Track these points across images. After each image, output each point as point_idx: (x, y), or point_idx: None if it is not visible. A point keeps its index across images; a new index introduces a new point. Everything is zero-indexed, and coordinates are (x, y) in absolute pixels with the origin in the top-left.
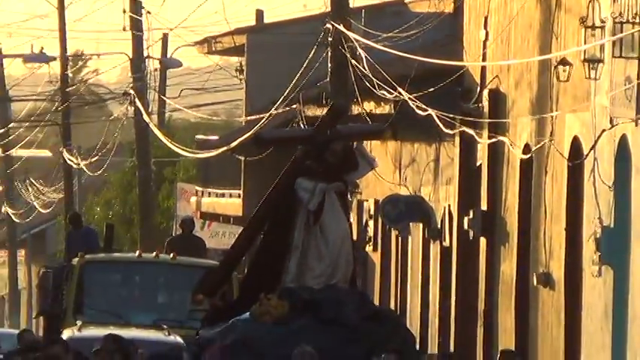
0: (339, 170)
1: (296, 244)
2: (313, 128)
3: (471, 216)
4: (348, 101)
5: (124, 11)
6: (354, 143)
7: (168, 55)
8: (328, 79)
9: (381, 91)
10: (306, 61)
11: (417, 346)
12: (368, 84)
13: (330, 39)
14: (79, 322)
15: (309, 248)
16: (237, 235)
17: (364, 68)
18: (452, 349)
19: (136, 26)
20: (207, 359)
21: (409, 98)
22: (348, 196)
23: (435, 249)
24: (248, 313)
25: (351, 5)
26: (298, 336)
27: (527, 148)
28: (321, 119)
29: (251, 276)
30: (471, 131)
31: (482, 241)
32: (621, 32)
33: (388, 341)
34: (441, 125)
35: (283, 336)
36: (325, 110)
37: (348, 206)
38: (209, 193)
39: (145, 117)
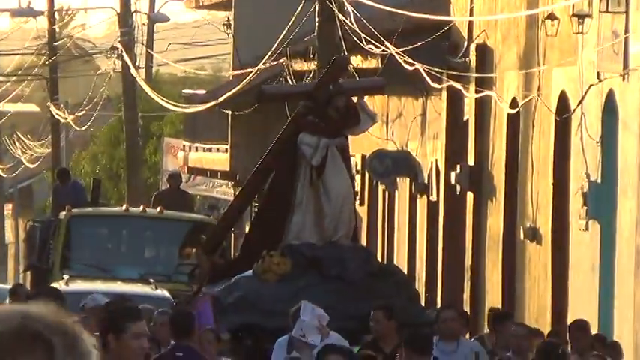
0: (341, 125)
1: (298, 200)
2: (315, 83)
3: (458, 171)
4: (347, 56)
5: None
6: (356, 98)
7: (156, 10)
8: (315, 34)
9: (369, 46)
10: (294, 15)
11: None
12: (355, 38)
13: None
14: (65, 276)
15: (311, 204)
16: (236, 193)
17: (352, 23)
18: (438, 303)
19: None
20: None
21: (396, 52)
22: (349, 150)
23: (422, 204)
24: (250, 271)
25: None
26: (304, 293)
27: (514, 103)
28: (323, 74)
29: (254, 233)
30: (458, 85)
31: (470, 195)
32: None
33: (393, 297)
34: (428, 79)
35: (288, 293)
36: (312, 64)
37: (350, 162)
38: (196, 148)
39: (133, 71)
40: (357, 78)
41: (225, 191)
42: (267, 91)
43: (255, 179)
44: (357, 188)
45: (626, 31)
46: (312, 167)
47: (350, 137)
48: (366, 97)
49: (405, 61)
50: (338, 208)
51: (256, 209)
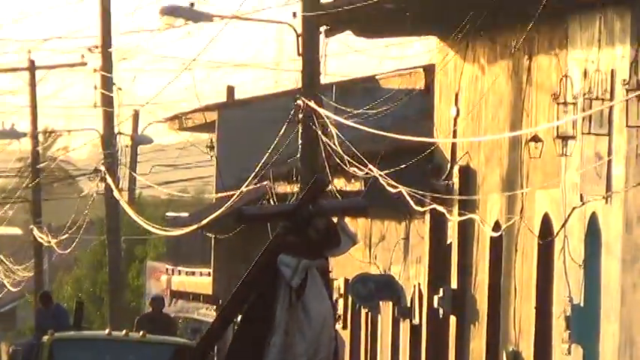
0: (321, 246)
1: (278, 323)
2: (295, 204)
3: (441, 294)
4: (329, 176)
5: (95, 87)
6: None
7: (140, 132)
8: (299, 156)
9: (352, 168)
10: (277, 137)
11: None
12: (339, 160)
13: (300, 115)
14: None
15: (291, 326)
16: (215, 315)
17: (335, 145)
18: None
19: (107, 102)
20: None
21: (380, 175)
22: (330, 273)
23: (404, 327)
24: None
25: (322, 82)
26: None
27: (497, 226)
28: (303, 195)
29: (233, 355)
30: (441, 208)
31: (452, 319)
32: (591, 108)
33: None
34: (411, 202)
35: None
36: (295, 187)
37: (331, 284)
38: (179, 272)
39: (116, 194)
40: (338, 199)
41: (207, 313)
42: (245, 212)
43: (233, 302)
44: (340, 311)
45: (609, 153)
46: (292, 288)
47: (332, 259)
48: (347, 219)
49: (388, 183)
50: (318, 330)
51: (235, 331)
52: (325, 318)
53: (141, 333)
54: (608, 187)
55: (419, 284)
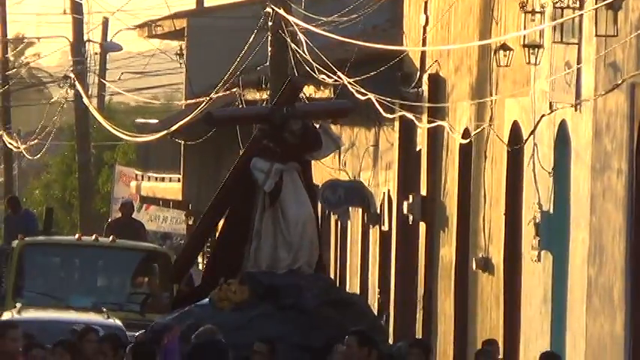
0: (299, 149)
1: (256, 228)
2: (270, 106)
3: (411, 201)
4: (306, 77)
5: None
6: (319, 122)
7: (109, 39)
8: (268, 63)
9: (321, 76)
10: (246, 45)
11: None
12: (308, 68)
13: (270, 23)
14: (18, 305)
15: (269, 232)
16: (198, 220)
17: (304, 52)
18: (391, 334)
19: (77, 10)
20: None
21: (349, 82)
22: (313, 176)
23: (374, 234)
24: (208, 299)
25: None
26: (256, 322)
27: (466, 133)
28: (278, 96)
29: (213, 261)
30: (410, 115)
31: (422, 225)
32: (561, 17)
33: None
34: (380, 109)
35: (241, 322)
36: (264, 94)
37: (314, 188)
38: (149, 177)
39: (85, 100)
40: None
41: (176, 227)
42: (215, 114)
43: (212, 208)
44: None
45: (579, 62)
46: (266, 193)
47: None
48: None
49: (357, 91)
50: (297, 236)
51: (217, 237)
52: (304, 223)
53: (110, 238)
54: (578, 96)
55: (388, 191)
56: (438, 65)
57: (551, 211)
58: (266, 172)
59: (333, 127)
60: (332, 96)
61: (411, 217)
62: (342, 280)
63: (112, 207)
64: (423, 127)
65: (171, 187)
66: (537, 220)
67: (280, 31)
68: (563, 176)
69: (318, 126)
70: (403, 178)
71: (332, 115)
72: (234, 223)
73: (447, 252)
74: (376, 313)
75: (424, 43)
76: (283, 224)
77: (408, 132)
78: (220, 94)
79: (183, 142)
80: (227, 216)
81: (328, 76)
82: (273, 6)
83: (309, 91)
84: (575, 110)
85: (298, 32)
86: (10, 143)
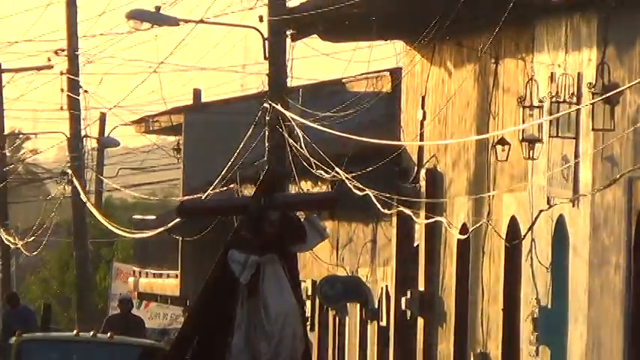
0: (280, 241)
1: (237, 321)
2: (248, 197)
3: (409, 296)
4: (288, 167)
5: (62, 90)
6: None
7: (106, 135)
8: (265, 159)
9: (319, 171)
10: (244, 140)
11: None
12: (305, 163)
13: (267, 118)
14: None
15: (251, 324)
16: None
17: (302, 147)
18: None
19: (74, 105)
20: None
21: (346, 178)
22: (298, 268)
23: (372, 329)
24: None
25: (288, 85)
26: None
27: (464, 229)
28: (257, 187)
29: (198, 354)
30: (408, 211)
31: (420, 321)
32: (558, 112)
33: None
34: (378, 205)
35: None
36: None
37: (298, 280)
38: (146, 274)
39: (83, 196)
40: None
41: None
42: (185, 205)
43: (199, 304)
44: (308, 313)
45: (576, 156)
46: (244, 285)
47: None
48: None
49: (355, 186)
50: (279, 328)
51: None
52: (287, 315)
53: (108, 334)
54: (575, 190)
55: (386, 286)
56: (436, 160)
57: (550, 306)
58: (242, 264)
59: (330, 222)
60: (329, 191)
61: (409, 313)
62: None
63: (110, 303)
64: (420, 222)
65: (169, 283)
66: (535, 315)
67: (278, 126)
68: (561, 271)
69: (303, 218)
70: (401, 274)
71: (315, 207)
72: (215, 317)
73: (446, 347)
74: None
75: (422, 138)
76: (264, 316)
77: (405, 227)
78: (218, 190)
79: (180, 238)
80: (209, 310)
81: (326, 172)
82: (270, 101)
83: (306, 186)
84: (573, 205)
85: (295, 127)
86: (7, 239)
